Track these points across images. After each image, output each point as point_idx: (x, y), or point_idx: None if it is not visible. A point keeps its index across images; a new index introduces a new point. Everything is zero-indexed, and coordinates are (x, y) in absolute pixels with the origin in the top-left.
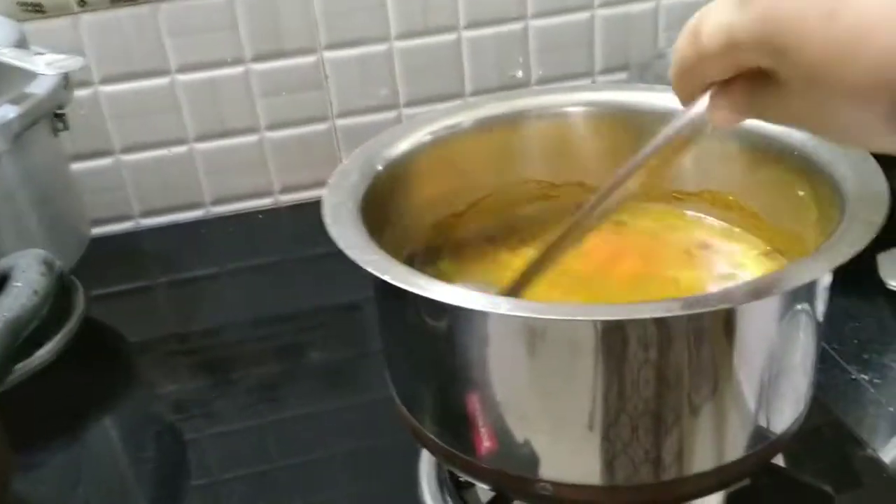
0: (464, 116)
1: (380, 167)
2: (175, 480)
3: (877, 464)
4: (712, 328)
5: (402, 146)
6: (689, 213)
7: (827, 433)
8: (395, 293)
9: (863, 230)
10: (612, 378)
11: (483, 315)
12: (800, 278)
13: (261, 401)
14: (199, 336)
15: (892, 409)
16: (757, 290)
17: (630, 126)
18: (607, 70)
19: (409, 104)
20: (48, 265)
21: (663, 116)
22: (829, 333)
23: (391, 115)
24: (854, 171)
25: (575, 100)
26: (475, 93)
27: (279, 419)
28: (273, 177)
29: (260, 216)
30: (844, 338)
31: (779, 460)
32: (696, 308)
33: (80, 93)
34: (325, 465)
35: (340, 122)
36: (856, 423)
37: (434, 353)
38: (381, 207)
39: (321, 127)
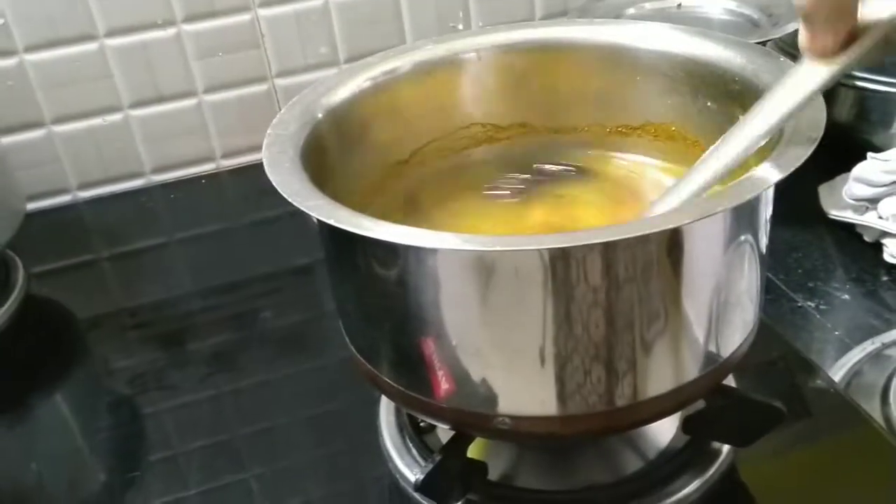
0: (402, 61)
1: (319, 115)
2: (134, 455)
3: (826, 385)
4: (659, 251)
5: (342, 93)
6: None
7: (778, 359)
8: (342, 239)
9: (802, 146)
10: (562, 307)
11: (432, 252)
12: (742, 195)
13: (217, 371)
14: (149, 309)
15: (837, 333)
16: (701, 209)
17: (571, 62)
18: (548, 16)
19: (350, 60)
20: None
21: (604, 50)
22: (775, 265)
23: (331, 72)
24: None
25: (513, 38)
26: None
27: (236, 388)
28: (213, 141)
29: (203, 181)
30: (789, 268)
31: (732, 380)
32: (640, 231)
33: (5, 62)
34: (285, 431)
35: (280, 81)
36: (804, 348)
37: (385, 295)
38: (323, 156)
39: (260, 88)
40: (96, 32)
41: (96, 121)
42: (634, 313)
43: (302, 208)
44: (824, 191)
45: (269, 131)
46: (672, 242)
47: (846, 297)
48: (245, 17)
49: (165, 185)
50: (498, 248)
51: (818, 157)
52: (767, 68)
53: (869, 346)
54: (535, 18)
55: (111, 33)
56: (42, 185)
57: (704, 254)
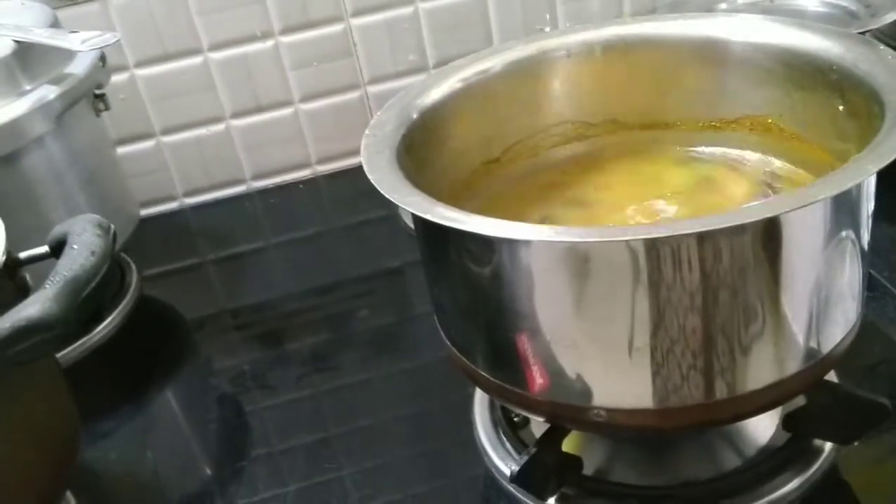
0: (493, 61)
1: (414, 115)
2: (237, 451)
3: None
4: (756, 241)
5: (435, 94)
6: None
7: (882, 359)
8: (437, 234)
9: None
10: (656, 298)
11: (525, 244)
12: (842, 183)
13: (314, 370)
14: (250, 310)
15: None
16: (800, 198)
17: (663, 58)
18: (635, 15)
19: (439, 65)
20: (102, 227)
21: (697, 44)
22: (878, 262)
23: (421, 78)
24: (893, 78)
25: (603, 35)
26: None
27: (334, 386)
28: (309, 148)
29: (300, 187)
30: (894, 265)
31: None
32: (735, 220)
33: (117, 77)
34: (381, 428)
35: (371, 88)
36: None
37: (480, 289)
38: (417, 155)
39: (353, 95)
40: (200, 46)
41: (201, 131)
42: (731, 305)
43: (400, 204)
44: None
45: (366, 132)
46: (770, 232)
47: None
48: (338, 28)
49: (264, 191)
50: (591, 240)
51: None
52: (866, 57)
53: None
54: (624, 17)
55: (214, 47)
56: (151, 192)
57: (803, 245)
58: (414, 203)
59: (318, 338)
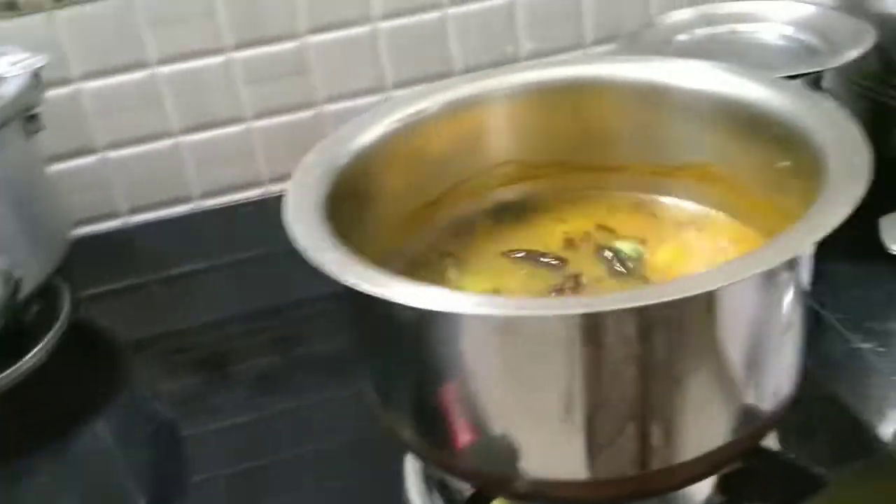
0: (430, 101)
1: (344, 160)
2: (173, 479)
3: (874, 439)
4: (691, 313)
5: (367, 137)
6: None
7: (824, 409)
8: (360, 293)
9: (842, 203)
10: (590, 370)
11: (451, 315)
12: (777, 257)
13: (258, 395)
14: (193, 332)
15: (895, 378)
16: (734, 272)
17: (606, 100)
18: (599, 41)
19: (398, 86)
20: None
21: (638, 88)
22: (829, 302)
23: (379, 97)
24: (836, 139)
25: (546, 76)
26: (465, 71)
27: (276, 412)
28: (261, 167)
29: (249, 208)
30: (847, 306)
31: (773, 437)
32: (670, 295)
33: (60, 91)
34: (313, 461)
35: (328, 107)
36: (856, 395)
37: (403, 352)
38: (348, 202)
39: (308, 114)
40: (148, 60)
41: (147, 146)
42: (666, 375)
43: (317, 263)
44: (886, 224)
45: (292, 177)
46: (705, 305)
47: None
48: (293, 44)
49: (214, 210)
50: (520, 314)
51: (879, 187)
52: (812, 113)
53: None
54: (586, 42)
55: (162, 61)
56: (94, 209)
57: (739, 314)
58: (332, 261)
59: (262, 361)
